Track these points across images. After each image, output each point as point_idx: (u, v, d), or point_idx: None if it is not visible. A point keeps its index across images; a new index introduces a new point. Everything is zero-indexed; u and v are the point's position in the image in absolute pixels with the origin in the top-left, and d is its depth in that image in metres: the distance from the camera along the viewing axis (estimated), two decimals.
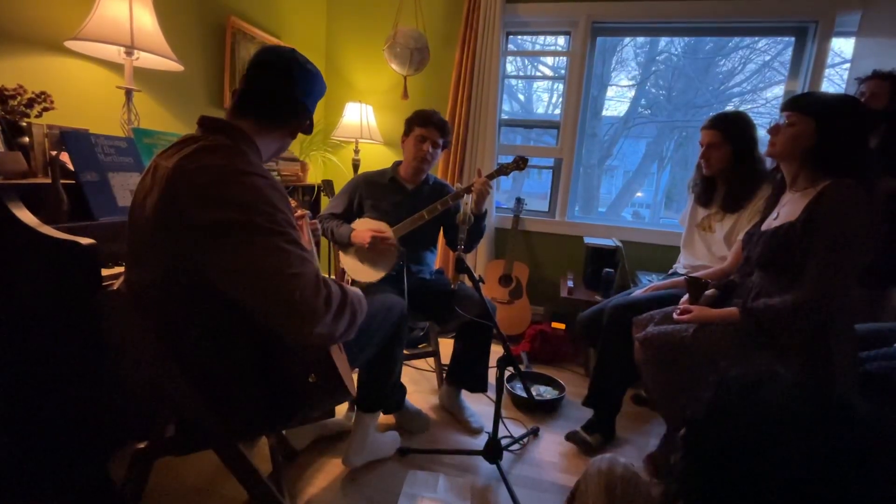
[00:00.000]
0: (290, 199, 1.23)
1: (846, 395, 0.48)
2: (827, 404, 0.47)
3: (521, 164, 1.82)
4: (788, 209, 1.26)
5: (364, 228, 1.77)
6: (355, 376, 1.48)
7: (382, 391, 1.49)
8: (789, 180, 1.30)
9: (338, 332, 0.89)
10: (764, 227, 1.33)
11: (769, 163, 1.47)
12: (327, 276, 0.93)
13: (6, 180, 1.16)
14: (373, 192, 1.87)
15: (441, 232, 1.98)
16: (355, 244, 1.75)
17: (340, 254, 1.87)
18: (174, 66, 1.65)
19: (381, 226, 1.78)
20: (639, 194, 4.43)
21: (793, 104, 1.23)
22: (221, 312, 0.89)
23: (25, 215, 1.06)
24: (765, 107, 3.35)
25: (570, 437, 1.69)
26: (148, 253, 0.90)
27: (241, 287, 0.83)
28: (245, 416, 0.97)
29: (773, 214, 1.33)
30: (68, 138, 1.30)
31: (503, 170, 1.82)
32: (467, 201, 1.70)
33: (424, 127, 1.79)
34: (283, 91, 1.01)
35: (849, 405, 0.47)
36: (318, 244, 1.53)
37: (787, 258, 1.20)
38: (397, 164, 1.92)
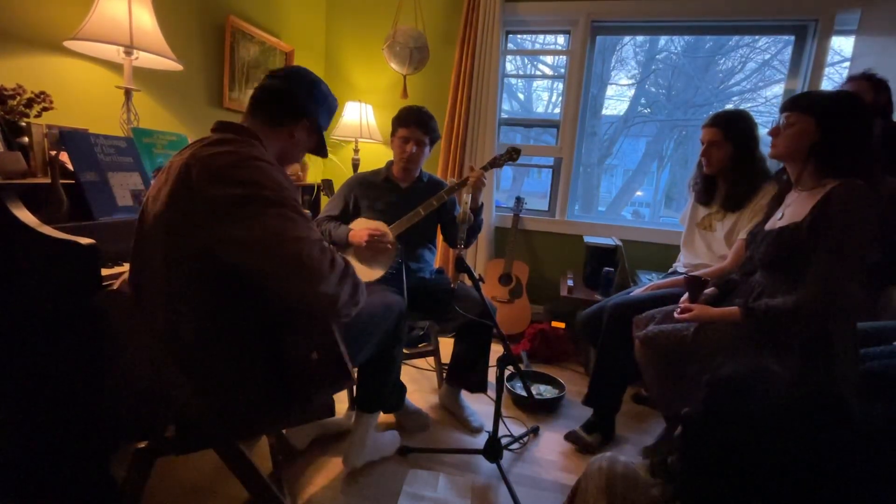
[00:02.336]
0: None
1: (842, 394, 0.48)
2: (823, 403, 0.48)
3: (513, 154, 1.82)
4: (794, 209, 1.25)
5: (361, 228, 1.77)
6: (355, 375, 1.48)
7: (382, 390, 1.49)
8: (794, 179, 1.29)
9: (342, 296, 0.95)
10: (768, 226, 1.32)
11: (773, 163, 1.47)
12: None
13: (6, 180, 1.16)
14: (368, 193, 1.87)
15: (439, 230, 1.98)
16: (353, 244, 1.76)
17: None
18: (173, 65, 1.65)
19: (379, 225, 1.78)
20: (639, 193, 4.43)
21: (791, 104, 1.22)
22: (228, 293, 0.92)
23: (25, 215, 1.06)
24: (765, 105, 3.35)
25: (569, 436, 1.70)
26: (157, 244, 0.91)
27: (252, 255, 0.88)
28: (246, 407, 0.97)
29: (778, 214, 1.32)
30: (68, 138, 1.30)
31: (496, 162, 1.82)
32: (466, 200, 1.70)
33: (406, 127, 1.79)
34: (284, 91, 1.07)
35: (845, 403, 0.47)
36: None
37: (792, 259, 1.19)
38: (391, 164, 1.92)
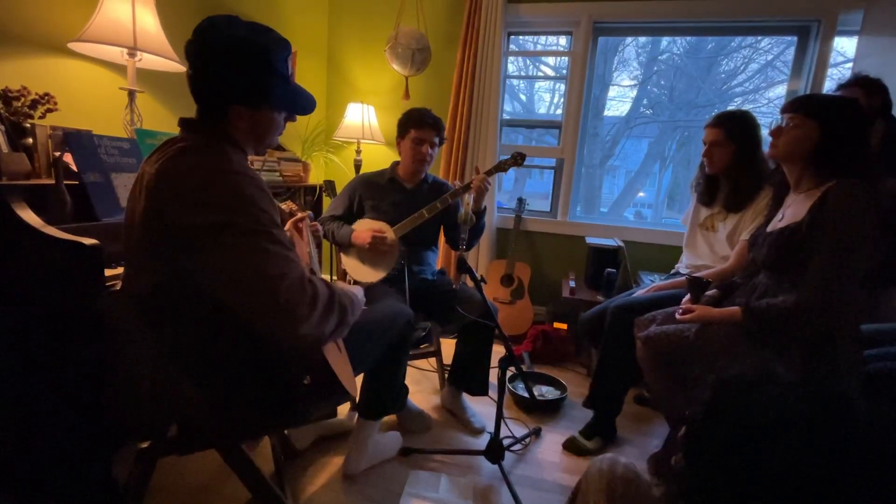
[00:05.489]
0: (290, 201, 1.22)
1: (846, 395, 0.48)
2: (826, 404, 0.47)
3: (518, 159, 1.82)
4: (793, 210, 1.25)
5: (364, 229, 1.77)
6: (359, 381, 1.48)
7: (385, 399, 1.49)
8: (793, 182, 1.29)
9: (326, 332, 0.89)
10: (769, 228, 1.32)
11: (771, 163, 1.47)
12: (325, 276, 0.92)
13: (10, 181, 1.16)
14: (372, 193, 1.87)
15: (442, 231, 1.98)
16: (356, 245, 1.76)
17: (342, 255, 1.88)
18: (177, 66, 1.66)
19: (382, 226, 1.78)
20: (641, 194, 4.43)
21: (795, 106, 1.22)
22: (213, 315, 0.88)
23: (29, 216, 1.07)
24: (767, 106, 3.34)
25: (568, 445, 1.69)
26: (141, 258, 0.90)
27: (225, 290, 0.82)
28: (245, 417, 0.97)
29: (778, 216, 1.32)
30: (72, 139, 1.30)
31: (501, 166, 1.83)
32: (468, 201, 1.70)
33: (420, 129, 1.79)
34: (208, 77, 0.91)
35: (848, 405, 0.47)
36: (319, 246, 1.53)
37: (793, 259, 1.20)
38: (396, 165, 1.92)
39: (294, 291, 0.82)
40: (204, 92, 0.92)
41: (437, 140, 1.83)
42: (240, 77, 0.90)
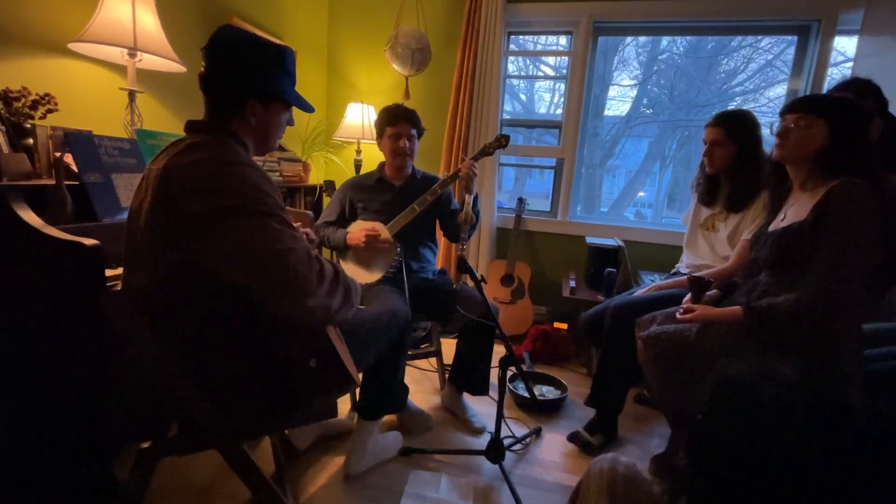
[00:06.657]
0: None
1: (846, 395, 0.48)
2: (827, 404, 0.47)
3: (503, 141, 1.83)
4: (796, 210, 1.25)
5: (358, 229, 1.77)
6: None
7: (384, 398, 1.49)
8: (798, 182, 1.28)
9: (333, 306, 0.94)
10: (771, 227, 1.32)
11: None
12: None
13: (11, 182, 1.16)
14: (362, 195, 1.87)
15: (438, 227, 1.98)
16: (351, 245, 1.76)
17: (339, 260, 1.88)
18: (177, 67, 1.66)
19: (376, 225, 1.79)
20: (641, 194, 4.43)
21: (802, 105, 1.21)
22: (217, 305, 0.90)
23: (30, 216, 1.07)
24: (767, 106, 3.35)
25: (572, 437, 1.70)
26: (144, 255, 0.91)
27: (237, 270, 0.86)
28: (249, 409, 0.97)
29: (780, 215, 1.32)
30: (72, 140, 1.31)
31: (486, 150, 1.84)
32: (468, 201, 1.70)
33: (394, 125, 1.81)
34: (220, 75, 0.98)
35: (848, 404, 0.47)
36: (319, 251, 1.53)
37: (795, 258, 1.19)
38: (383, 165, 1.93)
39: (303, 264, 0.87)
40: (223, 86, 0.98)
41: (414, 132, 1.84)
42: (258, 72, 0.98)
